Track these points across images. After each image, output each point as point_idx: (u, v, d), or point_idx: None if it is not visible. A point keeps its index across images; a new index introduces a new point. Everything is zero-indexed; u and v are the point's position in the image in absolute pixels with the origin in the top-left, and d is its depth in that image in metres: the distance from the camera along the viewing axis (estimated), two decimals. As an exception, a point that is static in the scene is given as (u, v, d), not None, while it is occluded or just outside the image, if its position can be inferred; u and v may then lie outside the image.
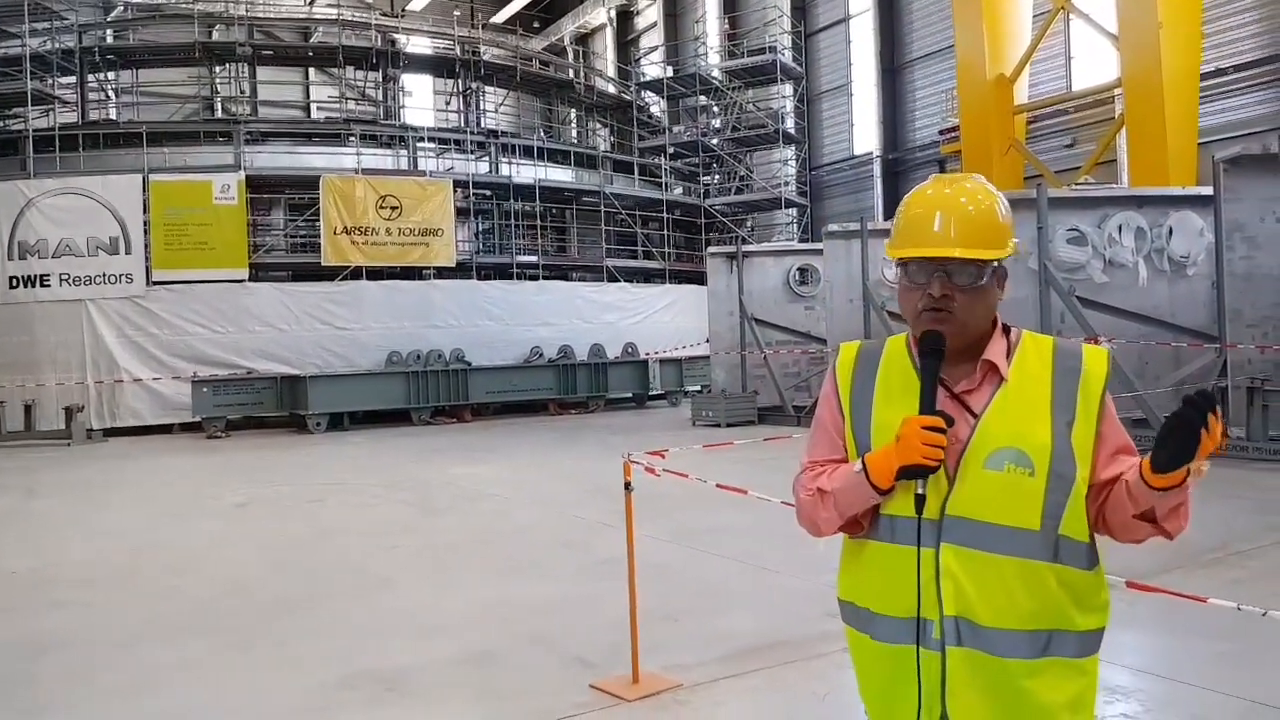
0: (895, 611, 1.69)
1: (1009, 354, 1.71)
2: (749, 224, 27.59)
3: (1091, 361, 1.68)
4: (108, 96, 24.49)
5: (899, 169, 26.87)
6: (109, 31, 25.63)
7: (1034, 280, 10.54)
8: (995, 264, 1.69)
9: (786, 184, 27.10)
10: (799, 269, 16.36)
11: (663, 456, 4.58)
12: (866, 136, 27.75)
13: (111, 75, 24.19)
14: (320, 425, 16.74)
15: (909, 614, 1.66)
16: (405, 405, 17.73)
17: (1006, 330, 1.74)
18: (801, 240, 24.81)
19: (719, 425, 14.84)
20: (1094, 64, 20.25)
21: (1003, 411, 1.66)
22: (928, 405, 1.64)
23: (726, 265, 16.53)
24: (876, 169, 26.99)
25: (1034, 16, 20.74)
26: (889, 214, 24.32)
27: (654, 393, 20.49)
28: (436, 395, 18.00)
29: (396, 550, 7.23)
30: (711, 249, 17.61)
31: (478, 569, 6.53)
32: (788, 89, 27.51)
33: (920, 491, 1.62)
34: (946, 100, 23.84)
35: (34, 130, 18.94)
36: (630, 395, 20.34)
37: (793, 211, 27.33)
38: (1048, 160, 20.32)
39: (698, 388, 19.78)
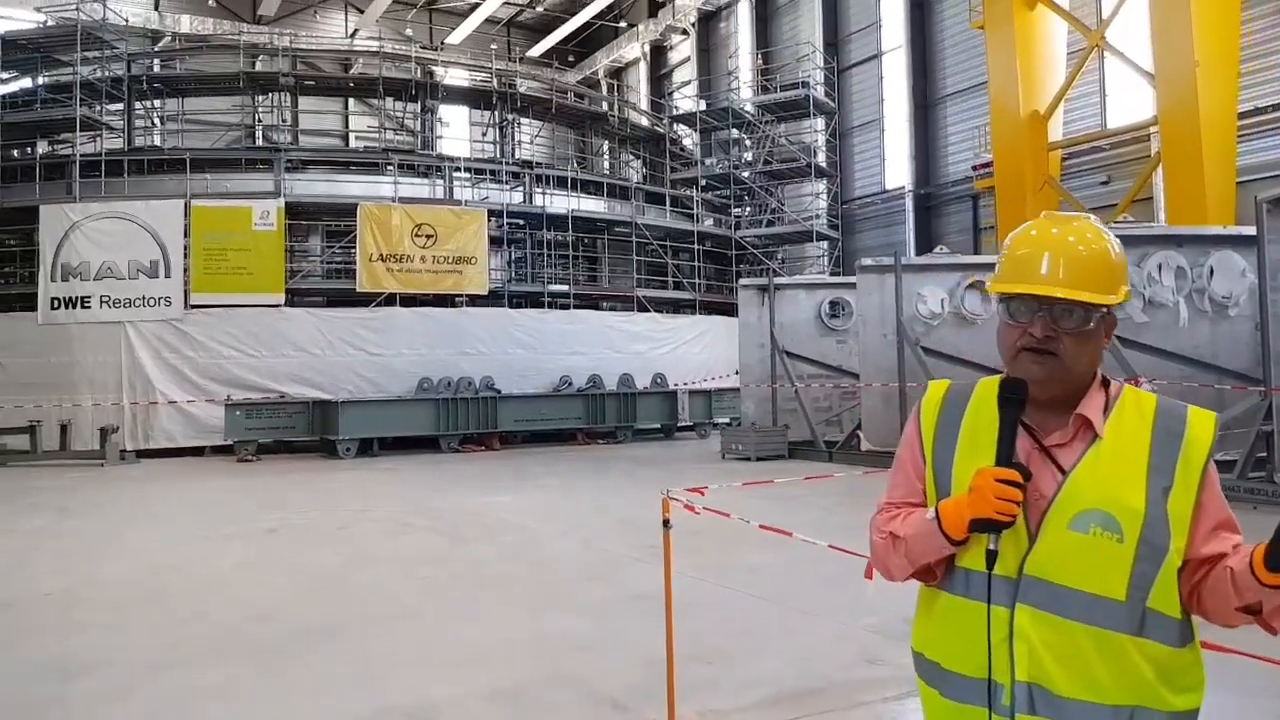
0: (965, 670, 1.60)
1: (1106, 409, 1.61)
2: (779, 256, 27.59)
3: (1196, 426, 1.58)
4: (153, 124, 25.05)
5: (931, 204, 26.80)
6: (156, 61, 26.28)
7: (1072, 319, 10.38)
8: (1104, 310, 1.61)
9: (818, 217, 27.10)
10: (831, 302, 16.27)
11: (702, 494, 4.51)
12: (898, 171, 27.73)
13: (157, 103, 24.76)
14: (350, 450, 16.81)
15: (979, 674, 1.58)
16: (434, 432, 17.78)
17: (1106, 384, 1.65)
18: (832, 274, 24.74)
19: (749, 459, 14.71)
20: (1130, 101, 20.13)
21: (1094, 471, 1.56)
22: (1004, 456, 1.57)
23: (758, 297, 16.49)
24: (908, 204, 26.95)
25: (1068, 54, 20.69)
26: (920, 249, 24.23)
27: (682, 424, 20.38)
28: (466, 423, 18.04)
29: (426, 580, 7.19)
30: (743, 281, 17.59)
31: (508, 601, 6.47)
32: (820, 123, 27.61)
33: (992, 547, 1.55)
34: (980, 136, 23.79)
35: (81, 155, 19.37)
36: (659, 426, 20.24)
37: (823, 245, 27.30)
38: (1083, 197, 20.16)
39: (727, 420, 19.67)
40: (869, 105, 28.94)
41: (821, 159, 27.04)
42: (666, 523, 4.29)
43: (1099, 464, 1.57)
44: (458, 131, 28.97)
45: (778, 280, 16.92)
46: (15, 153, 20.88)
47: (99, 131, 20.81)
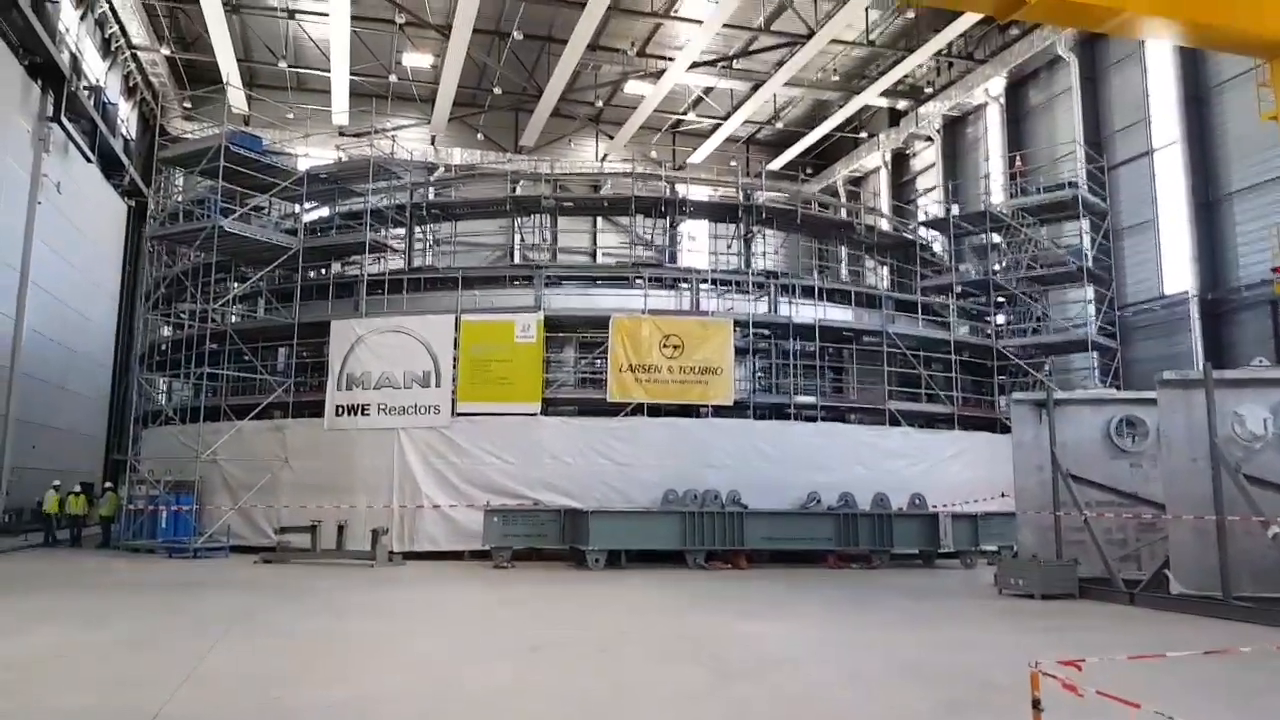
0: None
1: None
2: (1046, 368, 25.57)
3: None
4: (426, 245, 27.41)
5: (1221, 310, 24.11)
6: (432, 189, 28.93)
7: None
8: None
9: (1086, 325, 24.97)
10: (1122, 420, 14.54)
11: (1079, 669, 3.72)
12: (1179, 275, 25.26)
13: (432, 226, 27.13)
14: (599, 561, 16.74)
15: None
16: (680, 546, 17.37)
17: None
18: (1112, 385, 22.55)
19: (1032, 596, 13.12)
20: None
21: None
22: None
23: (1034, 413, 15.02)
24: (1193, 310, 24.41)
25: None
26: (1211, 360, 21.57)
27: (943, 550, 18.75)
28: (711, 538, 17.51)
29: (703, 723, 6.64)
30: (1017, 395, 16.14)
31: (801, 760, 5.77)
32: (1085, 225, 25.75)
33: None
34: (1278, 234, 21.27)
35: (368, 275, 21.31)
36: (917, 552, 18.75)
37: (1093, 355, 25.03)
38: None
39: (994, 548, 17.94)
40: (1139, 205, 26.82)
41: (1090, 262, 25.07)
42: (1037, 703, 3.55)
43: None
44: (700, 244, 29.61)
45: (1058, 395, 15.38)
46: (312, 273, 23.34)
47: (383, 253, 22.92)
